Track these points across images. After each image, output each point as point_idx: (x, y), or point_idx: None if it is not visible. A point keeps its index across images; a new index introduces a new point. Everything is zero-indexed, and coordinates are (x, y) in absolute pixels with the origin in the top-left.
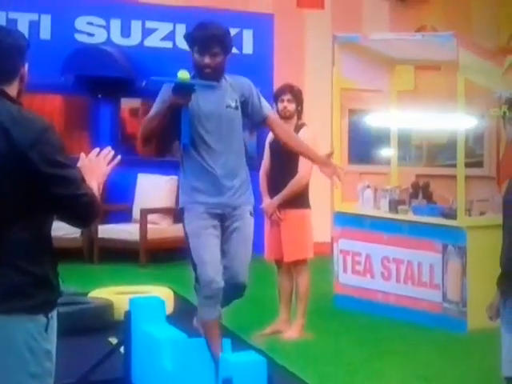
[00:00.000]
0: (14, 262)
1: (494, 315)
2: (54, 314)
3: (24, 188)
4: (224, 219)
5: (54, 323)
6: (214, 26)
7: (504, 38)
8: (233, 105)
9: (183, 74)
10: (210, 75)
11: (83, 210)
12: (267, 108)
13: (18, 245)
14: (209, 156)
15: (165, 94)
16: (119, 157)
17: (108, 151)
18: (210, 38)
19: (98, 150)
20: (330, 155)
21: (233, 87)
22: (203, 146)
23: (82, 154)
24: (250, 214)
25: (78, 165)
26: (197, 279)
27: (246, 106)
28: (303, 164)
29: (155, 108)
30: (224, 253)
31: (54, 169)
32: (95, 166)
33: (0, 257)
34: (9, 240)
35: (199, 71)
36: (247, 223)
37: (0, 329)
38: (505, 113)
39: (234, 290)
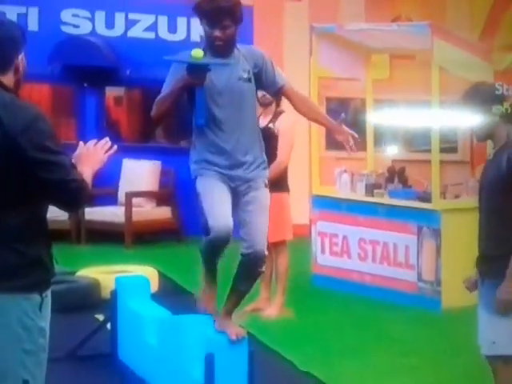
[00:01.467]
0: (10, 244)
1: (471, 287)
2: (48, 293)
3: (17, 174)
4: (238, 191)
5: (48, 302)
6: None
7: (478, 28)
8: (245, 76)
9: (197, 53)
10: (222, 48)
11: (72, 196)
12: (282, 78)
13: (13, 228)
14: (221, 131)
15: (176, 73)
16: (116, 146)
17: (105, 141)
18: (219, 10)
19: (95, 140)
20: (342, 121)
21: (246, 58)
22: (215, 121)
23: (81, 143)
24: (265, 185)
25: (76, 152)
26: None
27: (259, 76)
28: (282, 149)
29: (167, 87)
30: (241, 224)
31: (43, 154)
32: (92, 154)
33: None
34: (4, 223)
35: (210, 44)
36: (263, 193)
37: None
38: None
39: (253, 260)
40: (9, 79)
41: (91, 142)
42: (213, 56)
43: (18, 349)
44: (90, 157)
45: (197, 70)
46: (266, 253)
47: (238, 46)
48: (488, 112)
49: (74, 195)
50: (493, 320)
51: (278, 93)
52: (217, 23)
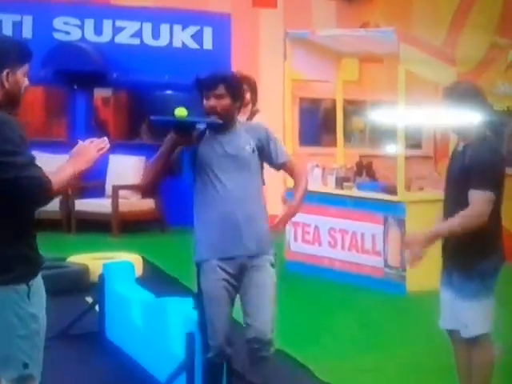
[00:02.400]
0: None
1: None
2: (34, 281)
3: None
4: (242, 269)
5: (36, 289)
6: (221, 69)
7: (442, 33)
8: (248, 148)
9: (181, 111)
10: (221, 121)
11: (26, 192)
12: (283, 154)
13: None
14: (225, 201)
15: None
16: (108, 145)
17: (102, 140)
18: (214, 78)
19: (93, 139)
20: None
21: (248, 132)
22: (218, 190)
23: (79, 141)
24: (271, 264)
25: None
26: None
27: (262, 150)
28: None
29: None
30: (245, 307)
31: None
32: (84, 152)
33: None
34: None
35: (214, 118)
36: (268, 276)
37: None
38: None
39: (259, 347)
40: None
41: (88, 141)
42: (214, 133)
43: (14, 336)
44: (82, 154)
45: (182, 128)
46: (272, 339)
47: (242, 123)
48: (464, 108)
49: (28, 191)
50: (464, 306)
51: (280, 167)
52: (211, 91)
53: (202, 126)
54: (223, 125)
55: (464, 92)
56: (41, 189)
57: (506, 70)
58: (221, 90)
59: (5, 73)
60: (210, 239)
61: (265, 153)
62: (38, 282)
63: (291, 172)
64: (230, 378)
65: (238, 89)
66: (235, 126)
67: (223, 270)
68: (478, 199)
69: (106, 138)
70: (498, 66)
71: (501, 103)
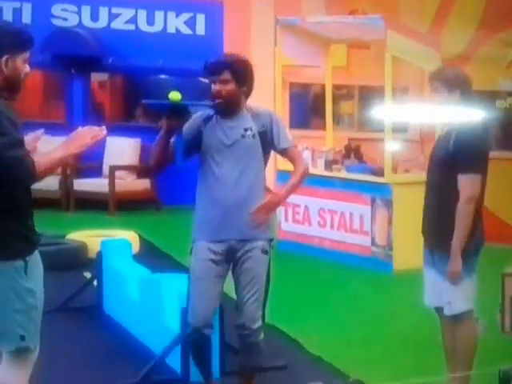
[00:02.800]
0: None
1: None
2: (31, 258)
3: None
4: (233, 253)
5: (33, 265)
6: (227, 54)
7: (428, 20)
8: (249, 134)
9: (174, 95)
10: (223, 105)
11: (9, 171)
12: (287, 141)
13: None
14: (218, 186)
15: None
16: (104, 134)
17: (100, 129)
18: (218, 63)
19: (94, 126)
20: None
21: (253, 117)
22: (215, 175)
23: (79, 127)
24: (263, 251)
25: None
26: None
27: (265, 136)
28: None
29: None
30: (236, 293)
31: None
32: (78, 137)
33: None
34: None
35: (213, 103)
36: (257, 262)
37: None
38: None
39: (247, 333)
40: None
41: (86, 127)
42: (220, 118)
43: (11, 310)
44: (76, 139)
45: (175, 111)
46: (257, 327)
47: (251, 107)
48: (451, 93)
49: (11, 171)
50: (446, 285)
51: (282, 153)
52: (216, 76)
53: (197, 110)
54: (228, 110)
55: (452, 76)
56: (23, 169)
57: (508, 66)
58: (226, 75)
59: (4, 59)
60: (202, 222)
61: (268, 138)
62: (35, 259)
63: (291, 160)
64: (223, 352)
65: (244, 74)
66: (241, 111)
67: (212, 251)
68: (468, 183)
69: (104, 127)
70: (499, 63)
71: (502, 100)
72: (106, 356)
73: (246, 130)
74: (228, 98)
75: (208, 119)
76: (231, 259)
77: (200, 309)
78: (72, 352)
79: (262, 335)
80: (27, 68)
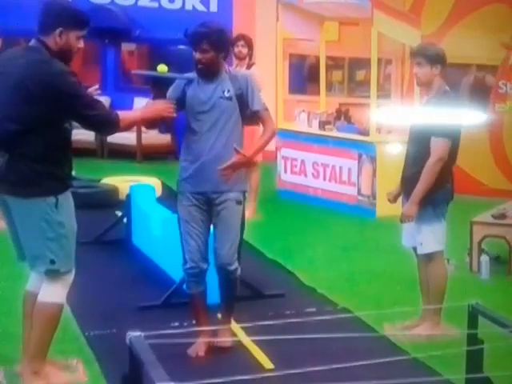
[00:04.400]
0: (27, 161)
1: (392, 200)
2: (62, 195)
3: (43, 108)
4: (210, 202)
5: (64, 202)
6: (206, 24)
7: (409, 2)
8: (226, 95)
9: (162, 68)
10: (204, 71)
11: (96, 127)
12: (259, 103)
13: (32, 148)
14: (198, 143)
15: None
16: (174, 113)
17: (173, 107)
18: (198, 34)
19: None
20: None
21: (231, 80)
22: (195, 132)
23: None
24: (237, 201)
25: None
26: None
27: (241, 98)
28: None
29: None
30: (213, 237)
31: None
32: (155, 106)
33: (18, 158)
34: (25, 145)
35: (195, 67)
36: (231, 212)
37: (22, 208)
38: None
39: (224, 273)
40: (50, 42)
41: (163, 101)
42: (201, 79)
43: (43, 237)
44: (153, 106)
45: (160, 82)
46: (231, 268)
47: (231, 70)
48: (433, 67)
49: (98, 127)
50: (418, 227)
51: (254, 114)
52: (197, 46)
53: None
54: (208, 74)
55: (435, 53)
56: (108, 125)
57: (510, 70)
58: (204, 45)
59: (58, 31)
60: (184, 175)
61: (243, 100)
62: (66, 196)
63: (262, 122)
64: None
65: (221, 42)
66: (221, 74)
67: (194, 198)
68: (439, 146)
69: (174, 107)
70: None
71: (503, 103)
72: (133, 281)
73: (223, 91)
74: (208, 64)
75: (191, 82)
76: (210, 208)
77: (192, 246)
78: (105, 276)
79: (237, 273)
80: (80, 44)
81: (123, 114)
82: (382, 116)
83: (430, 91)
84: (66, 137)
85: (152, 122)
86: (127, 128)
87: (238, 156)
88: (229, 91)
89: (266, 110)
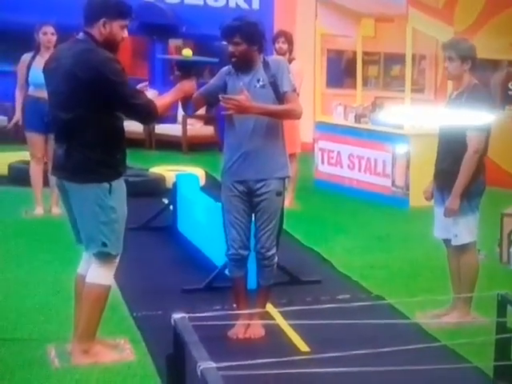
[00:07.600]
0: (81, 149)
1: (429, 197)
2: (115, 182)
3: (91, 95)
4: (252, 193)
5: (116, 188)
6: (238, 18)
7: None
8: (260, 83)
9: (187, 52)
10: (237, 63)
11: (136, 116)
12: (288, 85)
13: (86, 137)
14: (238, 133)
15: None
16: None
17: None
18: (230, 27)
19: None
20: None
21: (265, 68)
22: (235, 123)
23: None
24: (277, 193)
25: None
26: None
27: (275, 83)
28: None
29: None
30: (254, 225)
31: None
32: (181, 87)
33: (75, 147)
34: (80, 134)
35: (229, 60)
36: (271, 203)
37: (78, 193)
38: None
39: (261, 258)
40: (95, 32)
41: (187, 82)
42: (239, 73)
43: (96, 221)
44: (180, 89)
45: (185, 66)
46: (269, 255)
47: (265, 59)
48: (464, 62)
49: (139, 116)
50: (454, 219)
51: (283, 96)
52: (229, 39)
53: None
54: (243, 66)
55: (466, 48)
56: (149, 114)
57: None
58: (237, 38)
59: (101, 21)
60: (226, 165)
61: (277, 85)
62: (119, 183)
63: (287, 102)
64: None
65: (253, 36)
66: (256, 65)
67: (236, 188)
68: (475, 138)
69: (195, 85)
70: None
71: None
72: (178, 265)
73: (258, 80)
74: (240, 57)
75: (231, 73)
76: (251, 199)
77: (234, 235)
78: (151, 261)
79: (275, 259)
80: (125, 33)
81: (158, 102)
82: (416, 110)
83: (459, 85)
84: (119, 126)
85: (183, 103)
86: (164, 115)
87: (247, 100)
88: (263, 80)
89: (294, 91)
